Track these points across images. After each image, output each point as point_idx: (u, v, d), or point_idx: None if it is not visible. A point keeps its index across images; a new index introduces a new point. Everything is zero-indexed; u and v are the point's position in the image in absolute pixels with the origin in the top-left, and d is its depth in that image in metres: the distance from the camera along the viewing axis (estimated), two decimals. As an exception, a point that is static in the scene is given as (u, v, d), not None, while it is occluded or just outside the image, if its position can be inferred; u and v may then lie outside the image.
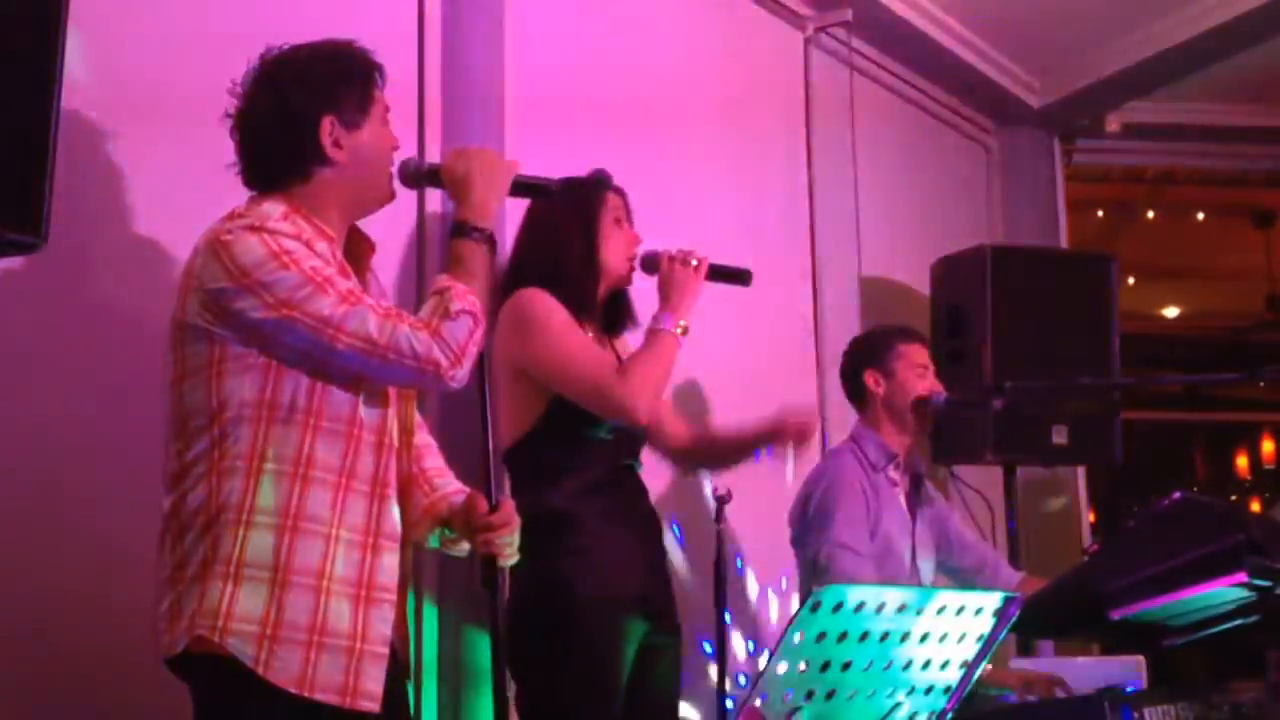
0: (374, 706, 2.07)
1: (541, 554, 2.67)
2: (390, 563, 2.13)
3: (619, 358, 2.96)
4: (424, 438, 2.39)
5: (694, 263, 2.90)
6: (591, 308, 2.95)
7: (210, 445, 2.05)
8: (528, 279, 2.89)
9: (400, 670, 2.21)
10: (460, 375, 2.09)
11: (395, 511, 2.16)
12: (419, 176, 2.34)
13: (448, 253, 2.21)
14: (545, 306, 2.83)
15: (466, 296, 2.11)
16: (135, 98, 2.66)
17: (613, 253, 2.95)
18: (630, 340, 3.04)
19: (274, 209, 2.10)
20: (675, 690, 2.97)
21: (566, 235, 2.92)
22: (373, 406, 2.13)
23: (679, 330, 2.85)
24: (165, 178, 2.66)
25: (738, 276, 3.02)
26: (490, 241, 2.21)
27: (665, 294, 2.90)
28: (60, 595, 2.44)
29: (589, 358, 2.83)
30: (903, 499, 3.53)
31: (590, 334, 2.93)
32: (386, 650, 2.11)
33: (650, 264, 2.96)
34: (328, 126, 2.14)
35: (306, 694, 2.00)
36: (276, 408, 2.05)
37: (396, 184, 2.29)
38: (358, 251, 2.25)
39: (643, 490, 2.99)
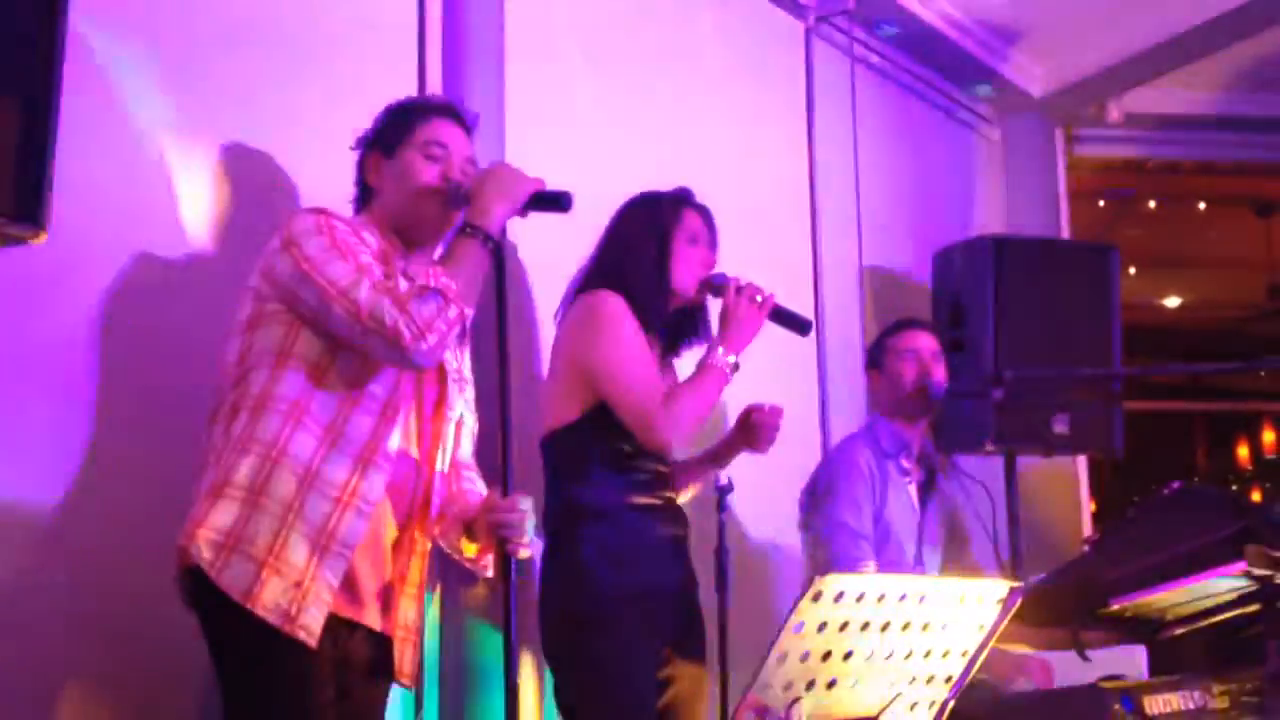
0: (311, 641, 2.17)
1: (571, 545, 2.74)
2: (358, 525, 2.23)
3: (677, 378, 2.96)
4: (465, 457, 2.51)
5: (759, 299, 2.88)
6: (656, 322, 2.94)
7: (234, 385, 2.27)
8: (601, 282, 2.89)
9: (386, 653, 2.31)
10: (425, 349, 2.20)
11: (378, 480, 2.26)
12: (457, 198, 2.41)
13: (446, 249, 2.35)
14: (618, 311, 2.83)
15: (440, 278, 2.23)
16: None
17: (683, 270, 2.94)
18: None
19: (348, 214, 2.36)
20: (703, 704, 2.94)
21: (639, 246, 2.92)
22: (383, 379, 2.28)
23: (730, 366, 2.85)
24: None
25: (797, 324, 2.96)
26: (486, 240, 2.30)
27: (725, 325, 2.89)
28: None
29: (642, 377, 2.82)
30: (913, 489, 3.55)
31: (655, 350, 2.93)
32: (330, 599, 2.21)
33: (715, 289, 2.94)
34: (368, 159, 2.48)
35: (249, 606, 2.13)
36: (289, 357, 2.25)
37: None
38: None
39: (676, 495, 2.98)
